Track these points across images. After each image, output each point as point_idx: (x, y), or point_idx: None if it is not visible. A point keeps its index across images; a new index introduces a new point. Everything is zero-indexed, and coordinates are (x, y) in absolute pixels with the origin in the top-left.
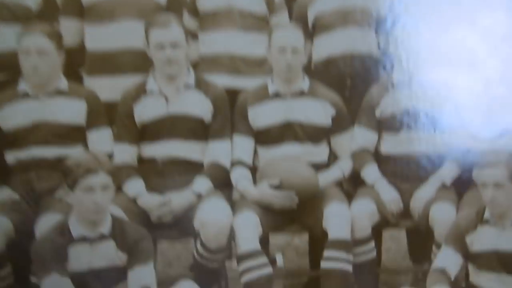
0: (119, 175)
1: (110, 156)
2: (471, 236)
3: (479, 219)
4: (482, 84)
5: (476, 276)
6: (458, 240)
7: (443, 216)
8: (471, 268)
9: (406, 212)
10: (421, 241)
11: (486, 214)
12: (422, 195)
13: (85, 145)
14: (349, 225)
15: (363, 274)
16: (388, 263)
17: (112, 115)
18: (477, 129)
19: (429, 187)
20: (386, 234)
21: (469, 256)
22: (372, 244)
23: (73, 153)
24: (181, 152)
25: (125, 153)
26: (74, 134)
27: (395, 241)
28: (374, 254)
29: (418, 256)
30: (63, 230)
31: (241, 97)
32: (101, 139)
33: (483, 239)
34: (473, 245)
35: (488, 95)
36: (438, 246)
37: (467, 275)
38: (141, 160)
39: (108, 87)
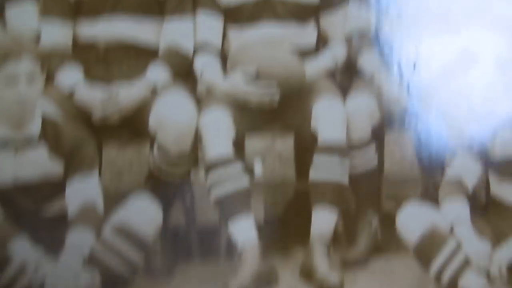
0: (49, 61)
1: (36, 37)
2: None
3: None
4: None
5: (498, 187)
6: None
7: None
8: (492, 177)
9: None
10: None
11: None
12: None
13: (2, 23)
14: (344, 126)
15: (362, 185)
16: (393, 172)
17: None
18: None
19: None
20: (390, 137)
21: (490, 163)
22: (372, 148)
23: None
24: (129, 32)
25: (56, 33)
26: None
27: (401, 145)
28: (375, 161)
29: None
30: None
31: None
32: (22, 14)
33: (507, 142)
34: (496, 149)
35: None
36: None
37: (487, 186)
38: (77, 43)
39: None
